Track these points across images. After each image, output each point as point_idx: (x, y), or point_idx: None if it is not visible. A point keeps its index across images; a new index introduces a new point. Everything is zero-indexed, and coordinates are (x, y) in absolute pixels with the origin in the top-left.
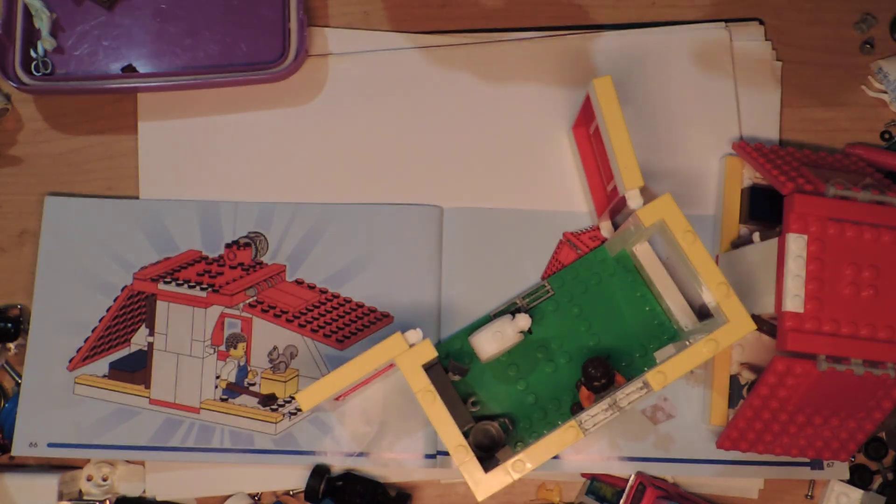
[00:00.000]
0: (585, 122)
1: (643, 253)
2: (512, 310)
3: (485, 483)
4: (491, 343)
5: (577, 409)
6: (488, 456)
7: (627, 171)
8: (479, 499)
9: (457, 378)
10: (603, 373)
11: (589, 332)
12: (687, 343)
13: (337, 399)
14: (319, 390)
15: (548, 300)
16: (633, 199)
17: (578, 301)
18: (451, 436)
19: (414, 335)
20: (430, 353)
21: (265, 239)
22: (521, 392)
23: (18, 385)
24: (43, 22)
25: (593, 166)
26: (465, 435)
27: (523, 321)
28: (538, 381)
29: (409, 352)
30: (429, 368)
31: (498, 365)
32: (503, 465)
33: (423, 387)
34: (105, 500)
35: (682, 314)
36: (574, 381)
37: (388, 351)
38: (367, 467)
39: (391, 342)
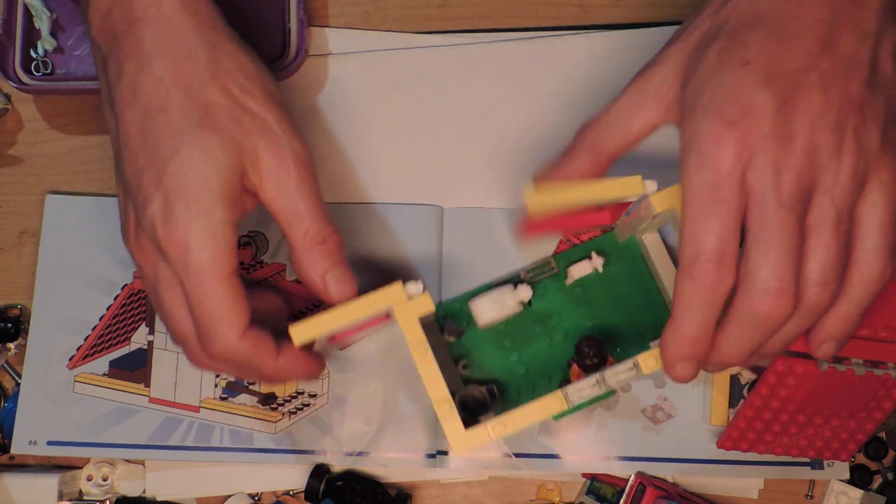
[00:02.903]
0: None
1: (652, 243)
2: (515, 280)
3: (463, 438)
4: (490, 310)
5: (565, 385)
6: (472, 418)
7: None
8: (457, 454)
9: (452, 339)
10: (596, 352)
11: (588, 314)
12: None
13: (333, 340)
14: (313, 326)
15: (552, 276)
16: (648, 185)
17: (582, 281)
18: (438, 389)
19: (414, 287)
20: (429, 307)
21: (265, 238)
22: (514, 362)
23: (19, 385)
24: (43, 22)
25: None
26: (453, 395)
27: (524, 293)
28: (532, 354)
29: (408, 303)
30: (425, 324)
31: (494, 333)
32: (483, 424)
33: (417, 339)
34: (105, 500)
35: None
36: (567, 358)
37: (387, 298)
38: (367, 467)
39: (391, 290)
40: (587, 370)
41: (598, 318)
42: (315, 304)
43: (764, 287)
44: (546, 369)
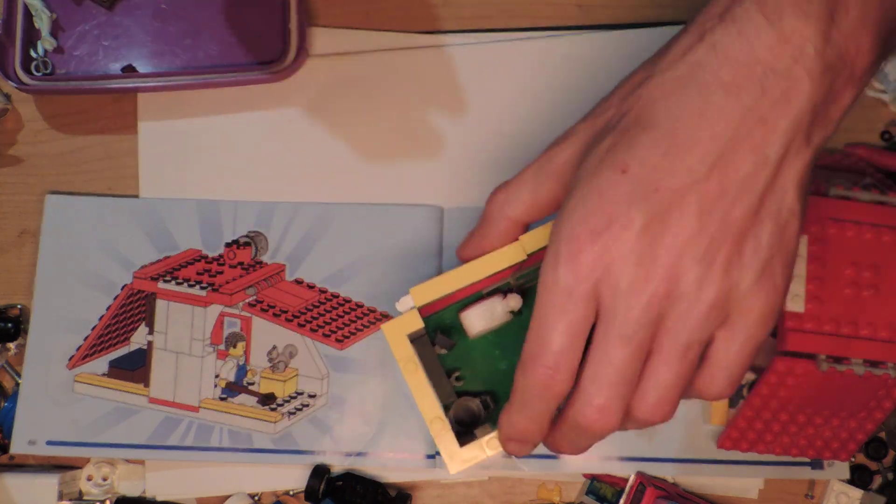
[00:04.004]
0: None
1: None
2: (504, 289)
3: (458, 456)
4: (480, 320)
5: None
6: (467, 431)
7: None
8: (452, 472)
9: (443, 351)
10: None
11: None
12: None
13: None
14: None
15: None
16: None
17: None
18: (430, 407)
19: (405, 302)
20: (417, 324)
21: (265, 238)
22: (505, 372)
23: (18, 385)
24: (43, 22)
25: None
26: (447, 408)
27: (514, 301)
28: None
29: (396, 321)
30: (415, 339)
31: (485, 343)
32: (478, 441)
33: (406, 356)
34: (105, 500)
35: None
36: None
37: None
38: (367, 467)
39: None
40: None
41: None
42: (315, 305)
43: (589, 400)
44: None
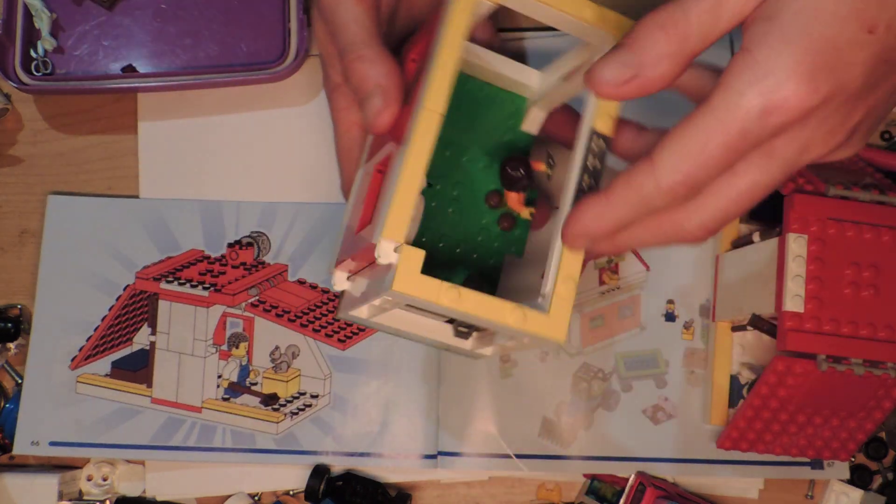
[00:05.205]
0: None
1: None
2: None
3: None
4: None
5: (496, 199)
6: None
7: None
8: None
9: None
10: (523, 167)
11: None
12: None
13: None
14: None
15: None
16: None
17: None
18: (502, 310)
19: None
20: (419, 258)
21: (267, 238)
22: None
23: (18, 385)
24: (43, 22)
25: None
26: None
27: None
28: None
29: (401, 276)
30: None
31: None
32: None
33: (447, 293)
34: (105, 500)
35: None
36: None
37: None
38: (368, 467)
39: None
40: (523, 189)
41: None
42: (317, 305)
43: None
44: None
